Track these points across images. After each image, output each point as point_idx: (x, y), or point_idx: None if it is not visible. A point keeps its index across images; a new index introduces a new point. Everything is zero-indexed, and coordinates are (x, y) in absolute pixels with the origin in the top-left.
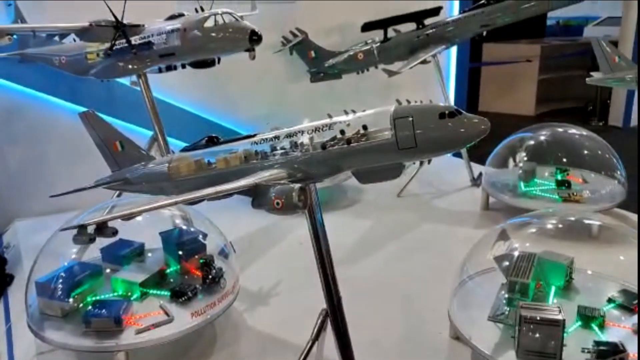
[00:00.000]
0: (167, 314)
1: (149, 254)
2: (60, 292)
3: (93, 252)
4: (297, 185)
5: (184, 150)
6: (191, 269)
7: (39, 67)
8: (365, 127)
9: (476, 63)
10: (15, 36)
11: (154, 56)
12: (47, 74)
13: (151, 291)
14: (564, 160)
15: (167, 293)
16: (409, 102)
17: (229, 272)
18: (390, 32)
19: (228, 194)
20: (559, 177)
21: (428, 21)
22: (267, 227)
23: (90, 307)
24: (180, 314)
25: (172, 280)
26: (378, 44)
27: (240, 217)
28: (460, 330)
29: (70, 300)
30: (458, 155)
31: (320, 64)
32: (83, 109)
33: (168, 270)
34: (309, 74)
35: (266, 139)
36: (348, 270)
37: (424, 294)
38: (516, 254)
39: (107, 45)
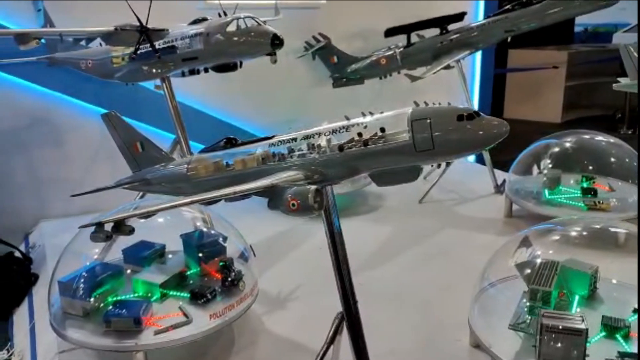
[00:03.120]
0: (185, 315)
1: (170, 256)
2: (81, 292)
3: (115, 254)
4: (313, 187)
5: (203, 151)
6: (211, 271)
7: (66, 71)
8: (383, 130)
9: (501, 69)
10: (43, 41)
11: (178, 60)
12: (73, 78)
13: (171, 292)
14: (590, 167)
15: (186, 295)
16: (426, 104)
17: (248, 275)
18: (414, 38)
19: (245, 195)
20: (585, 185)
21: (452, 27)
22: (287, 231)
23: (110, 307)
24: (198, 316)
25: (191, 282)
26: (401, 49)
27: (261, 220)
28: (480, 338)
29: (92, 299)
30: (481, 162)
31: (342, 69)
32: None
33: (188, 272)
34: (332, 79)
35: (283, 140)
36: (367, 275)
37: (444, 300)
38: (538, 261)
39: (132, 49)
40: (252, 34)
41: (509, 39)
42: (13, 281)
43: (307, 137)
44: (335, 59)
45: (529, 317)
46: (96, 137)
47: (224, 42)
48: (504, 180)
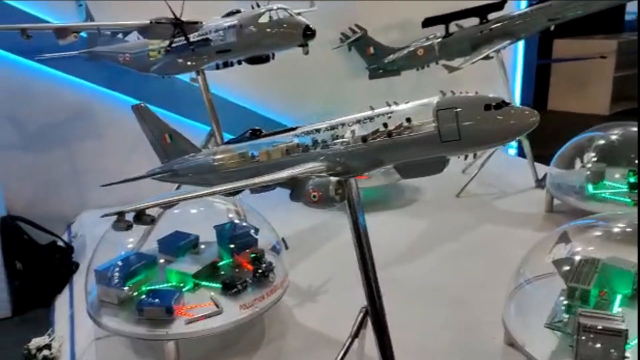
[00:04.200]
0: (217, 305)
1: (203, 247)
2: (116, 281)
3: (152, 244)
4: (335, 179)
5: (229, 142)
6: (243, 263)
7: (105, 65)
8: (408, 120)
9: (545, 60)
10: (84, 34)
11: (212, 53)
12: (112, 71)
13: (203, 282)
14: (637, 161)
15: (218, 285)
16: (453, 93)
17: (279, 267)
18: (453, 28)
19: (268, 186)
20: (632, 180)
21: (492, 15)
22: (320, 224)
23: (144, 296)
24: (229, 306)
25: (223, 272)
26: (439, 39)
27: (294, 213)
28: (514, 336)
29: (126, 288)
30: (522, 154)
31: (379, 60)
32: (149, 106)
33: (221, 263)
34: (368, 71)
35: (308, 131)
36: (401, 270)
37: (478, 297)
38: (578, 258)
39: (168, 42)
40: (285, 25)
41: (552, 28)
42: (55, 269)
43: (330, 128)
44: (371, 50)
45: (567, 316)
46: (135, 129)
47: (256, 34)
48: (545, 174)
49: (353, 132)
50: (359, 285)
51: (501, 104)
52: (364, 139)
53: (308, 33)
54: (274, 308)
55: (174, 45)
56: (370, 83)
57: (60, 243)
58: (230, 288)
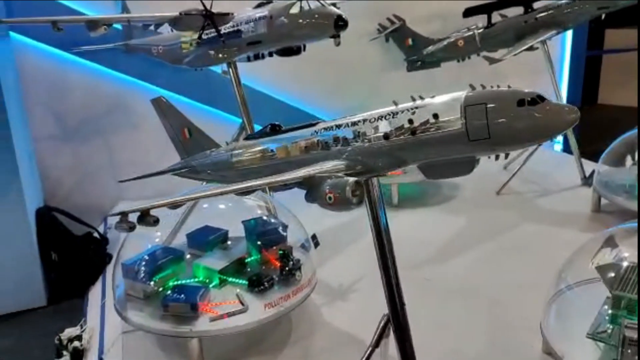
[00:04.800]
0: (242, 303)
1: (232, 242)
2: (143, 275)
3: (182, 238)
4: (352, 179)
5: (248, 138)
6: (271, 259)
7: (142, 57)
8: (436, 116)
9: (596, 51)
10: (119, 26)
11: (242, 44)
12: (148, 64)
13: (230, 279)
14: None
15: (244, 282)
16: (483, 87)
17: (307, 265)
18: (495, 18)
19: (285, 185)
20: None
21: (538, 4)
22: (352, 221)
23: (169, 292)
24: (254, 304)
25: (251, 269)
26: (481, 30)
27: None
28: (553, 345)
29: (152, 283)
30: (568, 150)
31: (417, 52)
32: (183, 98)
33: (248, 259)
34: (406, 63)
35: (328, 127)
36: (436, 270)
37: (516, 300)
38: (625, 264)
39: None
40: (316, 15)
41: (603, 17)
42: (90, 260)
43: (352, 125)
44: (410, 41)
45: (611, 327)
46: None
47: (287, 25)
48: (593, 172)
49: (375, 129)
50: None
51: (536, 100)
52: (386, 136)
53: (340, 24)
54: (301, 306)
55: (205, 37)
56: (408, 75)
57: (95, 234)
58: (257, 285)
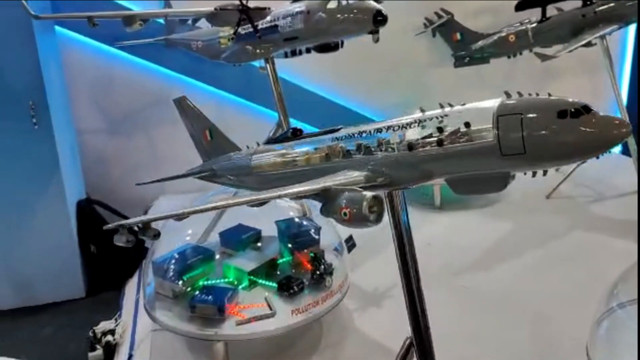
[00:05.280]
0: (270, 307)
1: (264, 242)
2: (172, 274)
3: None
4: (370, 194)
5: (269, 142)
6: (303, 262)
7: (184, 52)
8: (466, 126)
9: None
10: (161, 21)
11: (279, 40)
12: (190, 59)
13: (259, 281)
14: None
15: (274, 284)
16: (520, 94)
17: (339, 269)
18: (551, 11)
19: (298, 197)
20: None
21: None
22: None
23: (197, 292)
24: (282, 309)
25: (282, 271)
26: (534, 24)
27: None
28: None
29: (180, 282)
30: (626, 152)
31: (466, 47)
32: (225, 94)
33: (280, 261)
34: (453, 59)
35: (351, 134)
36: (475, 277)
37: (561, 316)
38: None
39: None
40: (354, 10)
41: None
42: (128, 254)
43: (375, 131)
44: (457, 36)
45: None
46: (212, 117)
47: (324, 20)
48: None
49: (399, 137)
50: (430, 293)
51: (580, 111)
52: (411, 146)
53: (379, 19)
54: (333, 311)
55: (243, 32)
56: (456, 72)
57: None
58: (286, 289)
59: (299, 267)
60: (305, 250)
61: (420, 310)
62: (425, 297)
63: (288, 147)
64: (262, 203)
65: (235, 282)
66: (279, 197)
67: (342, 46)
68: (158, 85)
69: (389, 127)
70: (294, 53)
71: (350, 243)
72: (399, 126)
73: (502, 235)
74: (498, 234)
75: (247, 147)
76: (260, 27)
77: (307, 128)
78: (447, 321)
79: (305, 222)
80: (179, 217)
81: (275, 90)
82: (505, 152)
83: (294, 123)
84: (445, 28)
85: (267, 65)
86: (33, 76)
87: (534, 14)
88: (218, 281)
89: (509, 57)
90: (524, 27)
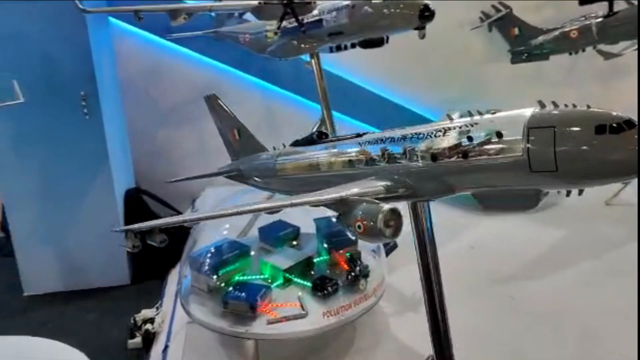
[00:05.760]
0: (302, 307)
1: (302, 240)
2: (207, 268)
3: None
4: (387, 207)
5: (295, 144)
6: (339, 262)
7: (235, 45)
8: (499, 134)
9: None
10: (213, 15)
11: (323, 35)
12: (240, 51)
13: (294, 279)
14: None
15: (309, 284)
16: (555, 105)
17: (376, 271)
18: (619, 5)
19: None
20: None
21: None
22: (444, 223)
23: (230, 289)
24: (314, 310)
25: (317, 270)
26: (600, 19)
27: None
28: None
29: (215, 277)
30: None
31: (524, 42)
32: (274, 87)
33: (316, 259)
34: (510, 54)
35: (376, 140)
36: (522, 287)
37: (613, 333)
38: None
39: (283, 23)
40: (400, 5)
41: None
42: (172, 243)
43: (402, 139)
44: (515, 31)
45: None
46: (259, 110)
47: (369, 15)
48: None
49: (425, 146)
50: (471, 301)
51: (622, 126)
52: (434, 156)
53: (426, 14)
54: (368, 313)
55: (288, 26)
56: (513, 68)
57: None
58: (320, 290)
59: (334, 267)
60: (342, 250)
61: (443, 330)
62: (466, 301)
63: (312, 151)
64: (275, 211)
65: (270, 280)
66: (293, 205)
67: (387, 42)
68: (207, 78)
69: (414, 135)
70: (338, 48)
71: (391, 244)
72: (424, 134)
73: (554, 242)
74: (550, 241)
75: (274, 148)
76: (305, 21)
77: (355, 124)
78: (486, 334)
79: None
80: (182, 224)
81: (320, 85)
82: (535, 168)
83: (342, 119)
84: (503, 22)
85: (312, 60)
86: (85, 67)
87: (601, 8)
88: (253, 277)
89: (570, 53)
90: (588, 22)
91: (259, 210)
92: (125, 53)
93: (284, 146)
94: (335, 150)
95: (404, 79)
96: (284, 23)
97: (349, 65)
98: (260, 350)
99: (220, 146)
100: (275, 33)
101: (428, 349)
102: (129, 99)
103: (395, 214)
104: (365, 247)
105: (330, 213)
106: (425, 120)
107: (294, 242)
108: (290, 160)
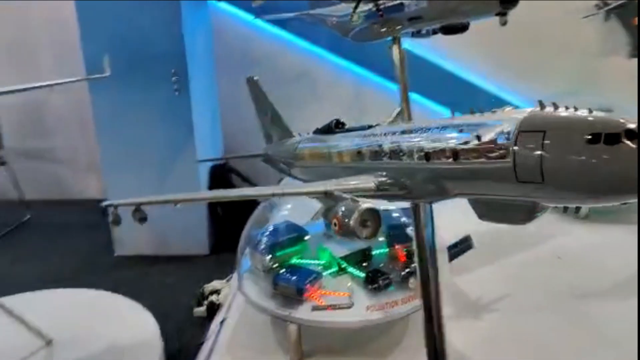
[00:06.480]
0: (350, 298)
1: None
2: (263, 248)
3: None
4: (365, 206)
5: (317, 132)
6: (397, 257)
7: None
8: (481, 138)
9: None
10: None
11: (404, 19)
12: (335, 34)
13: (349, 268)
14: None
15: (362, 275)
16: (555, 106)
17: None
18: None
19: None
20: None
21: None
22: (521, 227)
23: (283, 270)
24: (362, 302)
25: (373, 262)
26: None
27: None
28: None
29: (269, 257)
30: None
31: None
32: (364, 71)
33: (374, 251)
34: (628, 47)
35: (381, 133)
36: (607, 306)
37: None
38: None
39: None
40: None
41: None
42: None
43: (408, 132)
44: (637, 20)
45: None
46: (349, 94)
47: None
48: None
49: (422, 144)
50: (540, 312)
51: (619, 136)
52: (428, 156)
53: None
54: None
55: (373, 9)
56: (630, 63)
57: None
58: (371, 282)
59: (391, 262)
60: (400, 246)
61: (440, 348)
62: (536, 318)
63: (328, 140)
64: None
65: (324, 266)
66: (282, 194)
67: (467, 28)
68: (301, 60)
69: (415, 130)
70: (419, 33)
71: (467, 244)
72: (424, 130)
73: None
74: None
75: (299, 134)
76: (386, 5)
77: (446, 113)
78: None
79: (403, 218)
80: (163, 204)
81: (400, 72)
82: (520, 178)
83: (432, 105)
84: (624, 11)
85: (394, 46)
86: (176, 45)
87: None
88: (307, 262)
89: None
90: None
91: (244, 197)
92: (223, 31)
93: (308, 134)
94: (346, 141)
95: (504, 67)
96: (369, 6)
97: (442, 49)
98: (304, 336)
99: (307, 127)
100: (358, 16)
101: (478, 356)
102: (221, 76)
103: (373, 214)
104: None
105: (393, 206)
106: None
107: None
108: (307, 149)
